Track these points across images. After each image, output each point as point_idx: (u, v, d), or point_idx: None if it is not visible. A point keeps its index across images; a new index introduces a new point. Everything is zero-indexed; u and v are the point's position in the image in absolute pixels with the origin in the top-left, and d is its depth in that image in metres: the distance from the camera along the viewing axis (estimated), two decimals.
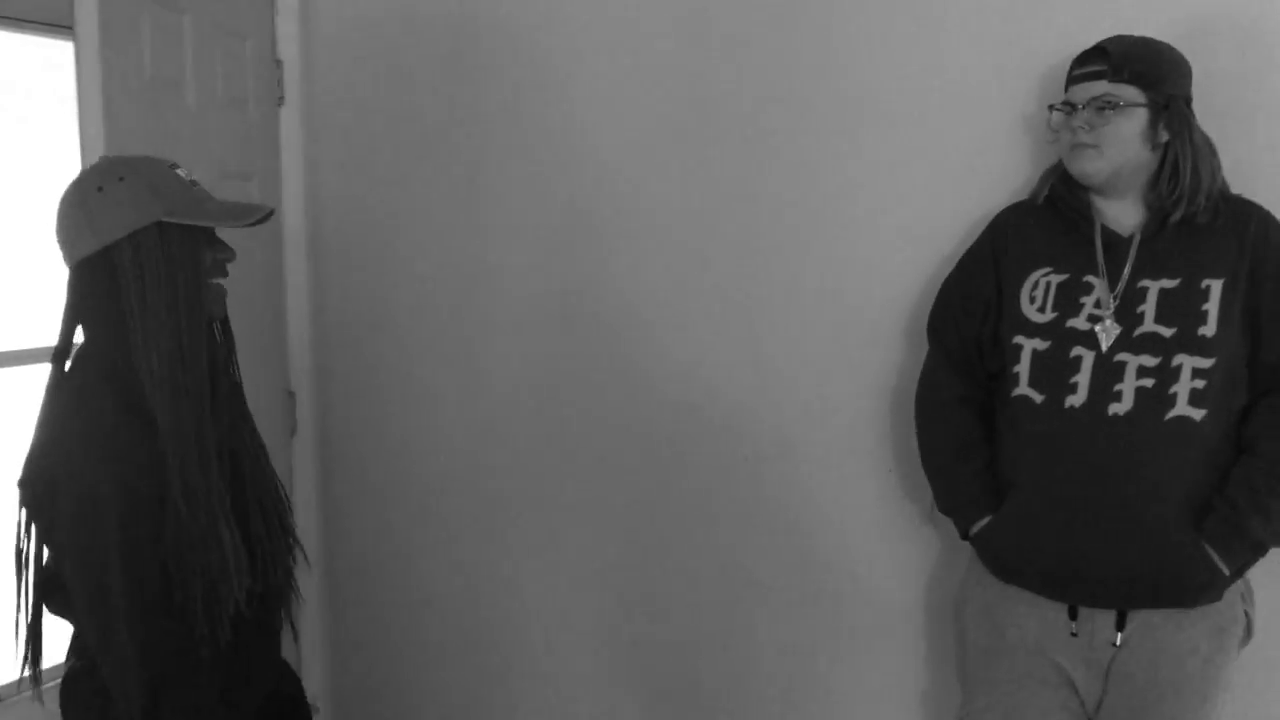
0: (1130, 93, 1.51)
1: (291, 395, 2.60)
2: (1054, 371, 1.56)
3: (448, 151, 2.36)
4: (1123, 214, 1.58)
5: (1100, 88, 1.52)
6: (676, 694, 2.26)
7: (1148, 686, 1.54)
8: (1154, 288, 1.53)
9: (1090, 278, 1.56)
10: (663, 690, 2.27)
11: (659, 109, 2.11)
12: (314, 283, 2.58)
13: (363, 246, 2.51)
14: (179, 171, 1.29)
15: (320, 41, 2.49)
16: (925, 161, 1.88)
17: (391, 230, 2.46)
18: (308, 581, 2.39)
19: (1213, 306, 1.49)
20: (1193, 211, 1.52)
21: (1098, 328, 1.54)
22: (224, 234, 1.33)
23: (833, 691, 2.09)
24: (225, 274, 1.32)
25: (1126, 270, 1.55)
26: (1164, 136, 1.53)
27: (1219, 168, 1.55)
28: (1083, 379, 1.54)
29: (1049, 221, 1.64)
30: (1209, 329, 1.49)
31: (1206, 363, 1.48)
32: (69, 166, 1.86)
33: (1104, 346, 1.53)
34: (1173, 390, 1.49)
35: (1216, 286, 1.50)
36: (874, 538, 2.01)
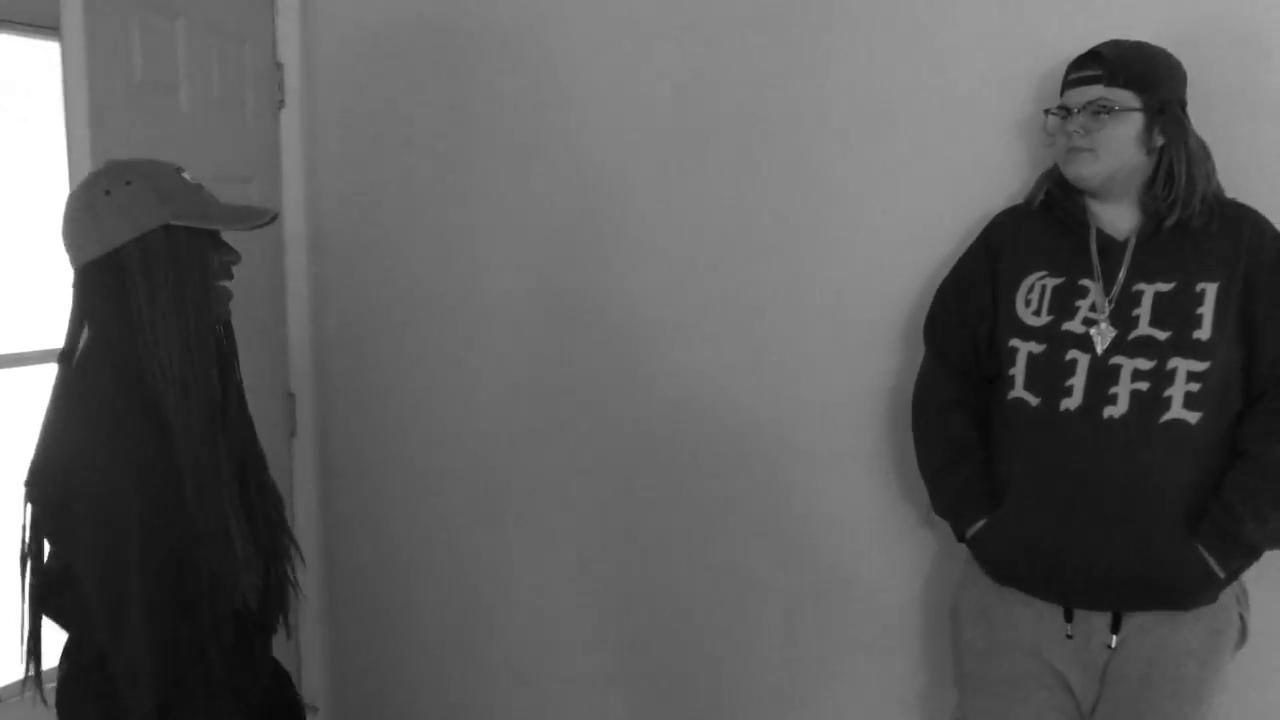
0: (1125, 97, 1.52)
1: (292, 397, 2.61)
2: (1049, 374, 1.57)
3: (448, 154, 2.36)
4: (1118, 218, 1.59)
5: (1095, 92, 1.53)
6: (674, 695, 2.26)
7: (1143, 689, 1.54)
8: (1149, 291, 1.53)
9: (1085, 281, 1.57)
10: (661, 691, 2.28)
11: (657, 111, 2.11)
12: (314, 285, 2.58)
13: (363, 249, 2.52)
14: (185, 175, 1.31)
15: (321, 44, 2.50)
16: (922, 165, 1.88)
17: (392, 233, 2.47)
18: (307, 582, 2.40)
19: (1207, 310, 1.50)
20: (1187, 215, 1.52)
21: (1093, 331, 1.55)
22: (227, 237, 1.34)
23: (829, 692, 2.09)
24: (231, 276, 1.34)
25: (1121, 274, 1.55)
26: (1159, 140, 1.53)
27: (1214, 171, 1.56)
28: (1078, 382, 1.54)
29: (1044, 225, 1.64)
30: (1204, 332, 1.50)
31: (1201, 366, 1.49)
32: (61, 168, 1.86)
33: (1099, 350, 1.54)
34: (1167, 393, 1.50)
35: (1211, 290, 1.51)
36: (871, 539, 2.01)
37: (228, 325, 1.37)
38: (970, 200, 1.83)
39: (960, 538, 1.70)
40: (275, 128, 2.51)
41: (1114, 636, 1.56)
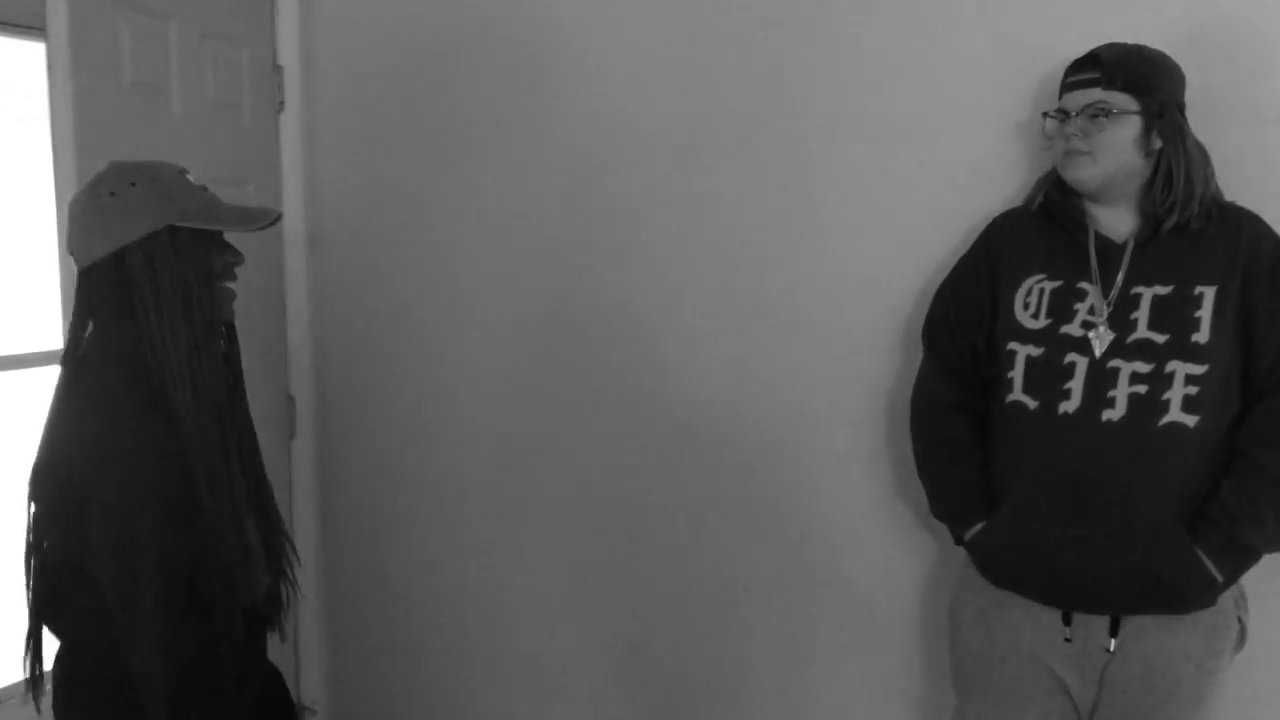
0: (1123, 100, 1.52)
1: (291, 399, 2.61)
2: (1048, 377, 1.57)
3: (448, 156, 2.37)
4: (1116, 220, 1.59)
5: (1094, 95, 1.53)
6: (673, 696, 2.26)
7: (1142, 692, 1.54)
8: (1147, 294, 1.53)
9: (1084, 284, 1.57)
10: (659, 693, 2.28)
11: (657, 114, 2.11)
12: (314, 288, 2.59)
13: (363, 252, 2.52)
14: (189, 176, 1.31)
15: (321, 47, 2.50)
16: (920, 168, 1.88)
17: (392, 235, 2.47)
18: (306, 583, 2.40)
19: (1206, 313, 1.50)
20: (1186, 218, 1.52)
21: (1091, 334, 1.55)
22: (230, 238, 1.35)
23: (827, 696, 2.09)
24: (234, 278, 1.35)
25: (1120, 277, 1.55)
26: (1157, 143, 1.53)
27: (1212, 175, 1.56)
28: (1076, 385, 1.54)
29: (1043, 228, 1.64)
30: (1202, 335, 1.49)
31: (1199, 369, 1.49)
32: (47, 169, 1.86)
33: (1097, 353, 1.54)
34: (1166, 396, 1.50)
35: (1209, 293, 1.51)
36: (869, 542, 2.01)
37: (230, 326, 1.38)
38: (969, 203, 1.83)
39: (958, 541, 1.70)
40: (274, 130, 2.51)
41: (1112, 640, 1.55)
